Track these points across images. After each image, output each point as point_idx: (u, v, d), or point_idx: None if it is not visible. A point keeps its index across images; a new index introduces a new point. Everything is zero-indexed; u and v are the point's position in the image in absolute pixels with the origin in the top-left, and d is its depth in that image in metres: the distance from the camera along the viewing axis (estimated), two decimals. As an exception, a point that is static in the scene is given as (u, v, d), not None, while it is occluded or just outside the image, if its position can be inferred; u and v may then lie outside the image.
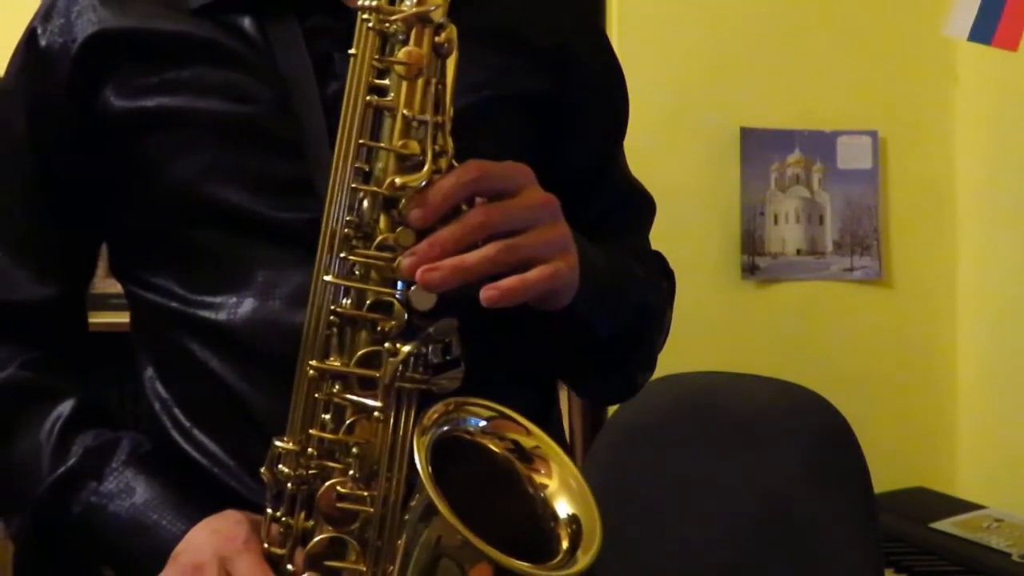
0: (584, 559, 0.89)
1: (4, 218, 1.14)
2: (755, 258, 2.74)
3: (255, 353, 1.05)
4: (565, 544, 0.91)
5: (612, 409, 2.18)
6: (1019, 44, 2.32)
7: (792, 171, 2.76)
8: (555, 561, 0.90)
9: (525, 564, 0.86)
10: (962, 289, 2.79)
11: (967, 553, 2.23)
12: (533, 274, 0.92)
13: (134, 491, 1.05)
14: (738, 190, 2.73)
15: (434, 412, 0.92)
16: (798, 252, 2.75)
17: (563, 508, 0.93)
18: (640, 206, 1.24)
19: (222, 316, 1.06)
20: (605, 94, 1.21)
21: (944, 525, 2.34)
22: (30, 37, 1.11)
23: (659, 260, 1.23)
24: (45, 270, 1.13)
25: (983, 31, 2.34)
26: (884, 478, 2.21)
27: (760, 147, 2.74)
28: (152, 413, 1.11)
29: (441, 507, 0.85)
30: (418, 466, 0.87)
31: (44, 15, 1.11)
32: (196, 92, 1.06)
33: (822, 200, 2.76)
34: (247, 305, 1.05)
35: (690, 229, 2.62)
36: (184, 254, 1.08)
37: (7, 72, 1.14)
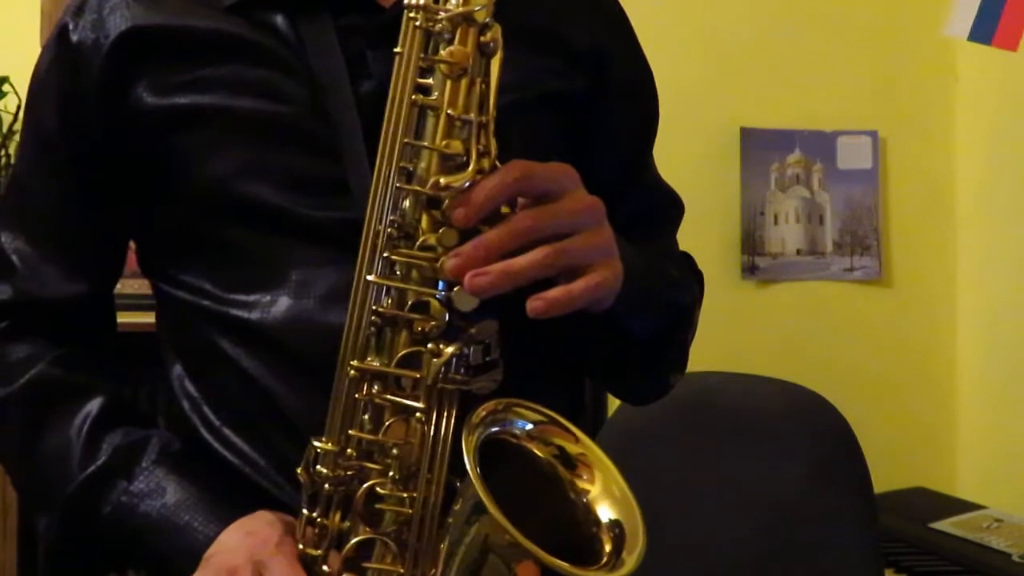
0: (631, 560, 0.88)
1: (35, 214, 1.14)
2: (755, 258, 2.74)
3: (288, 352, 1.04)
4: (608, 548, 0.90)
5: (612, 409, 2.18)
6: (1019, 44, 2.32)
7: (792, 171, 2.76)
8: (601, 564, 0.89)
9: (575, 567, 0.85)
10: (962, 289, 2.79)
11: (967, 553, 2.23)
12: (579, 285, 0.92)
13: (165, 491, 1.04)
14: (738, 190, 2.74)
15: (483, 411, 0.91)
16: (798, 252, 2.75)
17: (605, 513, 0.92)
18: (669, 208, 1.25)
19: (255, 315, 1.05)
20: (638, 97, 1.21)
21: (944, 525, 2.34)
22: (61, 32, 1.10)
23: (688, 261, 1.23)
24: (75, 267, 1.13)
25: (983, 31, 2.34)
26: (884, 478, 2.21)
27: (760, 147, 2.74)
28: (181, 412, 1.10)
29: (489, 506, 0.85)
30: (466, 464, 0.87)
31: (76, 10, 1.10)
32: (230, 90, 1.05)
33: (822, 200, 2.76)
34: (281, 304, 1.05)
35: (690, 229, 2.60)
36: (217, 252, 1.07)
37: (37, 66, 1.14)
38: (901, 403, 2.76)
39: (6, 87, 2.43)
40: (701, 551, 1.91)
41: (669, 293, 1.12)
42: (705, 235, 2.68)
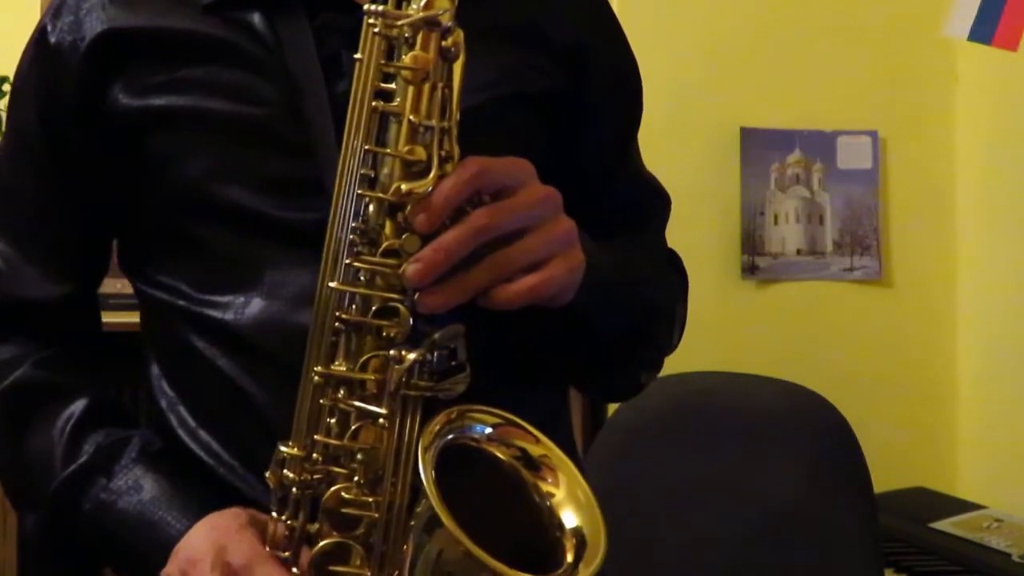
0: (585, 572, 0.88)
1: (17, 216, 1.14)
2: (755, 258, 2.74)
3: (261, 353, 1.05)
4: (569, 557, 0.90)
5: (612, 409, 2.18)
6: (1019, 44, 2.32)
7: (792, 171, 2.76)
8: (558, 572, 0.89)
9: None
10: (962, 289, 2.79)
11: (967, 553, 2.23)
12: (526, 283, 0.92)
13: (142, 488, 1.05)
14: (738, 190, 2.73)
15: (436, 424, 0.91)
16: (798, 252, 2.75)
17: (569, 519, 0.92)
18: (654, 202, 1.23)
19: (229, 316, 1.06)
20: (621, 91, 1.20)
21: (944, 525, 2.34)
22: (40, 33, 1.11)
23: (672, 257, 1.23)
24: (58, 268, 1.13)
25: (983, 31, 2.34)
26: (884, 478, 2.21)
27: (760, 147, 2.74)
28: (159, 411, 1.11)
29: (445, 520, 0.85)
30: (423, 482, 0.86)
31: (54, 12, 1.10)
32: (205, 92, 1.06)
33: (822, 200, 2.76)
34: (254, 305, 1.05)
35: (690, 229, 2.61)
36: (192, 253, 1.08)
37: (18, 68, 1.14)
38: (901, 403, 2.76)
39: (6, 87, 2.44)
40: (701, 551, 1.91)
41: (639, 290, 1.12)
42: (705, 235, 2.68)
